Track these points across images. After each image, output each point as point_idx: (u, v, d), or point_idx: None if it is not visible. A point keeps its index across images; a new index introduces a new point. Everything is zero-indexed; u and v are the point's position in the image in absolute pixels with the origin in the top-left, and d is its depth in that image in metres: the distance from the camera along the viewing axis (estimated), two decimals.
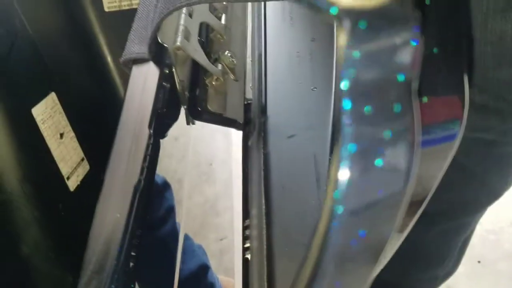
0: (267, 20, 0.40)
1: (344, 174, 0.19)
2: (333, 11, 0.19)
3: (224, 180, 0.78)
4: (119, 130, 0.34)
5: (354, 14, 0.18)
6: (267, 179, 0.37)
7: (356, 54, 0.18)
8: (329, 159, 0.19)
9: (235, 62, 0.43)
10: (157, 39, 0.36)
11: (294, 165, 0.33)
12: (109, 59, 0.58)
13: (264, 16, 0.47)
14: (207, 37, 0.45)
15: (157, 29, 0.35)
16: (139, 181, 0.31)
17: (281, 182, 0.35)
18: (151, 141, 0.34)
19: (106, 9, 0.55)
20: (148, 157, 0.33)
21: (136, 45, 0.36)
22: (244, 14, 0.49)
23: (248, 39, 0.49)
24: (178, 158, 0.61)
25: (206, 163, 0.80)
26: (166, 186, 0.59)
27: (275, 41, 0.44)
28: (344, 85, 0.19)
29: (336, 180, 0.19)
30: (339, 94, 0.19)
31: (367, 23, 0.18)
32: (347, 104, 0.19)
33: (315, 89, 0.35)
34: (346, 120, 0.18)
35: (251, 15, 0.50)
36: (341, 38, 0.19)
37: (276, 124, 0.40)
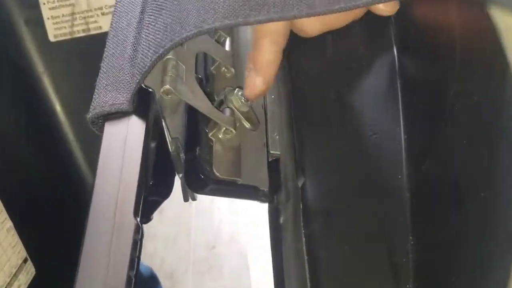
0: (289, 42, 0.41)
1: None
2: None
3: (235, 271, 0.77)
4: (89, 220, 0.34)
5: None
6: (315, 276, 0.38)
7: None
8: None
9: (249, 103, 0.44)
10: (141, 85, 0.37)
11: None
12: (59, 110, 0.58)
13: None
14: (207, 72, 0.46)
15: (146, 74, 0.36)
16: None
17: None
18: (139, 236, 0.33)
19: (53, 39, 0.56)
20: (135, 259, 0.33)
21: (109, 93, 0.37)
22: None
23: None
24: (166, 240, 0.60)
25: (207, 246, 0.80)
26: (153, 281, 0.58)
27: (304, 68, 0.46)
28: None
29: None
30: None
31: None
32: None
33: (375, 135, 0.38)
34: None
35: None
36: None
37: (321, 188, 0.41)
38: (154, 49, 0.36)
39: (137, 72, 0.37)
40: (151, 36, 0.37)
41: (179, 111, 0.43)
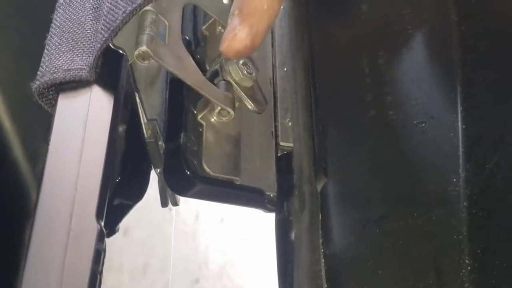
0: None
1: None
2: None
3: None
4: (35, 226, 0.35)
5: None
6: None
7: None
8: None
9: (254, 75, 0.45)
10: (109, 45, 0.39)
11: None
12: None
13: None
14: (197, 32, 0.48)
15: (116, 30, 0.38)
16: None
17: None
18: (103, 245, 0.35)
19: None
20: (98, 276, 0.34)
21: (64, 55, 0.39)
22: None
23: (277, 33, 0.53)
24: (134, 271, 0.61)
25: (189, 279, 0.81)
26: None
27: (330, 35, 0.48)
28: None
29: None
30: None
31: None
32: None
33: (423, 124, 0.41)
34: None
35: None
36: None
37: (349, 193, 0.43)
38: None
39: (103, 27, 0.38)
40: None
41: (159, 83, 0.45)
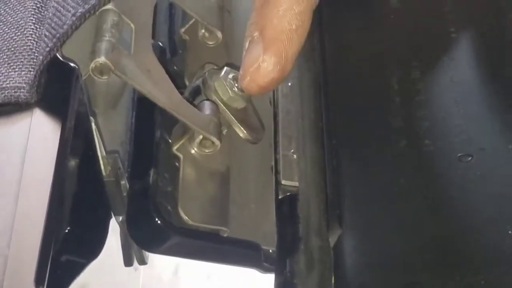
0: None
1: None
2: None
3: None
4: None
5: None
6: None
7: None
8: None
9: (247, 95, 0.45)
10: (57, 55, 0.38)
11: None
12: None
13: None
14: (173, 37, 0.48)
15: (64, 37, 0.37)
16: None
17: None
18: None
19: None
20: None
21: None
22: None
23: None
24: None
25: None
26: None
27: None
28: None
29: None
30: None
31: None
32: None
33: (470, 158, 0.42)
34: None
35: None
36: None
37: (372, 249, 0.42)
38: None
39: (47, 33, 0.38)
40: None
41: (122, 104, 0.45)
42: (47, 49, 0.38)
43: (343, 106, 0.48)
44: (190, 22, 0.48)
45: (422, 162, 0.44)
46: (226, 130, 0.45)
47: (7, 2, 0.40)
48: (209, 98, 0.44)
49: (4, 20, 0.40)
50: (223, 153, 0.45)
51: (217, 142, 0.43)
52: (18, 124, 0.38)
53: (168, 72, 0.43)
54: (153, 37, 0.45)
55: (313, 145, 0.47)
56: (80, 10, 0.37)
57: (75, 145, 0.40)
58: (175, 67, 0.47)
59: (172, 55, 0.47)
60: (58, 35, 0.37)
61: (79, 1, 0.37)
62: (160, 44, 0.46)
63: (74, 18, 0.37)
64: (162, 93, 0.42)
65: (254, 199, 0.46)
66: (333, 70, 0.49)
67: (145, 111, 0.44)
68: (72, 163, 0.40)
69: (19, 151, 0.37)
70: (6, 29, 0.39)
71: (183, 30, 0.48)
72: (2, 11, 0.40)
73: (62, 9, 0.38)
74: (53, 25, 0.38)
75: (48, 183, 0.36)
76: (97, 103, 0.41)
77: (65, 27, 0.37)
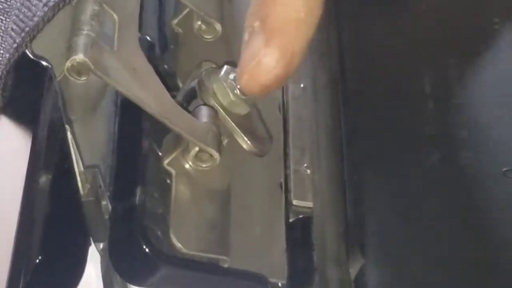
0: None
1: None
2: None
3: None
4: None
5: None
6: None
7: None
8: None
9: (251, 97, 0.44)
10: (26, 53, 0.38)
11: None
12: None
13: None
14: (164, 30, 0.48)
15: (34, 31, 0.37)
16: None
17: None
18: None
19: None
20: None
21: None
22: None
23: None
24: None
25: None
26: None
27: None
28: None
29: None
30: None
31: None
32: None
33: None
34: None
35: None
36: None
37: (401, 281, 0.42)
38: None
39: (14, 26, 0.38)
40: None
41: (104, 109, 0.44)
42: (15, 45, 0.38)
43: (365, 111, 0.47)
44: (184, 12, 0.48)
45: (460, 178, 0.44)
46: (226, 141, 0.44)
47: None
48: (207, 102, 0.44)
49: None
50: (223, 168, 0.44)
51: (216, 155, 0.43)
52: None
53: (157, 71, 0.43)
54: (140, 30, 0.44)
55: (330, 158, 0.47)
56: None
57: (48, 159, 0.39)
58: (165, 66, 0.47)
59: (163, 51, 0.47)
60: (27, 28, 0.37)
61: None
62: (148, 38, 0.46)
63: (46, 9, 0.37)
64: (151, 96, 0.41)
65: (260, 223, 0.45)
66: (353, 68, 0.49)
67: (130, 117, 0.44)
68: (45, 180, 0.39)
69: None
70: None
71: (175, 21, 0.48)
72: None
73: None
74: (21, 16, 0.38)
75: (16, 204, 0.36)
76: (74, 108, 0.41)
77: (35, 19, 0.37)
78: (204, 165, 0.43)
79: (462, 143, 0.44)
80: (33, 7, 0.37)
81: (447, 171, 0.44)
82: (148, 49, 0.45)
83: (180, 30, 0.48)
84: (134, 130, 0.43)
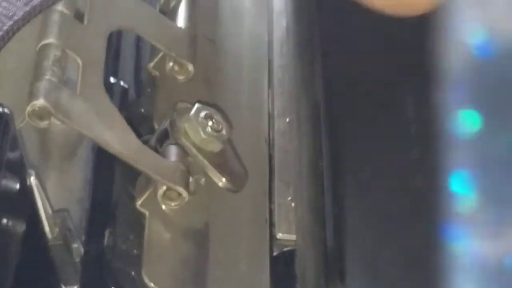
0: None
1: None
2: None
3: None
4: None
5: None
6: None
7: None
8: None
9: (224, 133, 0.44)
10: None
11: None
12: None
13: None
14: (139, 75, 0.49)
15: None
16: None
17: None
18: None
19: None
20: None
21: None
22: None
23: (276, 64, 0.53)
24: None
25: None
26: None
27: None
28: None
29: None
30: None
31: None
32: None
33: None
34: None
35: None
36: None
37: None
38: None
39: None
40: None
41: (80, 155, 0.45)
42: None
43: (349, 142, 0.47)
44: (159, 55, 0.48)
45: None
46: (203, 179, 0.44)
47: None
48: (179, 142, 0.44)
49: None
50: (200, 205, 0.44)
51: (184, 193, 0.42)
52: None
53: (135, 113, 0.44)
54: (116, 75, 0.45)
55: (312, 189, 0.46)
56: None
57: (11, 205, 0.39)
58: (142, 110, 0.47)
59: (139, 95, 0.48)
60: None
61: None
62: (122, 83, 0.47)
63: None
64: (115, 138, 0.42)
65: (245, 259, 0.45)
66: (336, 100, 0.48)
67: (105, 161, 0.44)
68: (10, 224, 0.39)
69: None
70: None
71: (151, 65, 0.48)
72: None
73: None
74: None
75: None
76: (37, 152, 0.41)
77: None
78: (173, 204, 0.43)
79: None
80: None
81: (432, 197, 0.43)
82: (122, 94, 0.45)
83: (157, 73, 0.48)
84: (109, 173, 0.44)
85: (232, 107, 0.47)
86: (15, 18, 0.38)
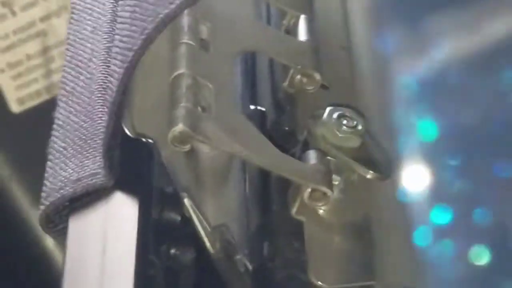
0: None
1: None
2: None
3: None
4: None
5: None
6: None
7: None
8: None
9: (361, 127, 0.45)
10: (124, 132, 0.41)
11: None
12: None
13: None
14: (277, 95, 0.49)
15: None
16: None
17: None
18: None
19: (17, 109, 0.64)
20: None
21: (71, 162, 0.41)
22: None
23: None
24: None
25: None
26: None
27: None
28: None
29: None
30: None
31: None
32: None
33: None
34: None
35: None
36: None
37: None
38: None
39: (112, 107, 0.41)
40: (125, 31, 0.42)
41: (227, 176, 0.46)
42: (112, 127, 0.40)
43: None
44: (290, 73, 0.49)
45: None
46: (355, 175, 0.44)
47: (74, 92, 0.43)
48: (318, 147, 0.44)
49: (73, 110, 0.42)
50: (354, 201, 0.45)
51: (329, 192, 0.43)
52: (95, 216, 0.40)
53: (277, 131, 0.46)
54: (254, 101, 0.46)
55: None
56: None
57: (167, 228, 0.42)
58: (285, 128, 0.48)
59: (279, 115, 0.49)
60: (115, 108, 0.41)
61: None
62: (260, 108, 0.48)
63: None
64: (255, 150, 0.43)
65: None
66: None
67: (258, 177, 0.45)
68: (175, 254, 0.42)
69: (99, 242, 0.39)
70: (75, 119, 0.41)
71: (286, 83, 0.49)
72: (70, 102, 0.42)
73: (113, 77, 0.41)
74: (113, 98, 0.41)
75: (130, 275, 0.38)
76: (185, 177, 0.42)
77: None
78: (320, 204, 0.43)
79: None
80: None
81: None
82: (261, 117, 0.47)
83: (293, 90, 0.49)
84: (260, 184, 0.45)
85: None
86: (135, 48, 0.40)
